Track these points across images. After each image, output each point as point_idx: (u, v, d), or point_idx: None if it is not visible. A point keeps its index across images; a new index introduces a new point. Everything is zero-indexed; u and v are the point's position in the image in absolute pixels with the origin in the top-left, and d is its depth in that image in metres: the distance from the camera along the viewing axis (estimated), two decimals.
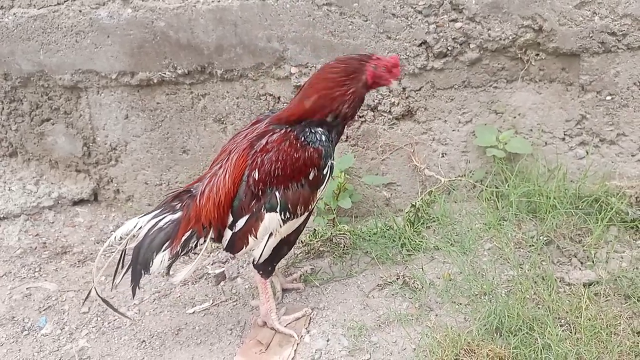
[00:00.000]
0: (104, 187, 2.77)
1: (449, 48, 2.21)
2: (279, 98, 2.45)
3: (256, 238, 1.71)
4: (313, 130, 1.67)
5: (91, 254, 2.44)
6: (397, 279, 1.95)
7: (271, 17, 2.31)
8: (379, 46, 2.26)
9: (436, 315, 1.78)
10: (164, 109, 2.57)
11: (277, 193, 1.66)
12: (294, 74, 2.37)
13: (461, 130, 2.33)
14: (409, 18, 2.20)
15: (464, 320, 1.73)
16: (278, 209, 1.67)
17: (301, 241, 2.30)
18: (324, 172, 1.69)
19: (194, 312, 2.00)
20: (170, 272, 1.78)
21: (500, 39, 2.16)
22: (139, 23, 2.44)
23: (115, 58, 2.52)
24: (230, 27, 2.36)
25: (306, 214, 1.75)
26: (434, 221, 2.21)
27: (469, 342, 1.60)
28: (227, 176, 1.70)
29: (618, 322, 1.62)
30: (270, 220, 1.69)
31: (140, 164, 2.68)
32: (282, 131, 1.69)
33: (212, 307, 2.02)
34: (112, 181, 2.74)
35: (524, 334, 1.60)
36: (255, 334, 1.81)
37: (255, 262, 1.79)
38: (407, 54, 2.25)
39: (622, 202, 1.97)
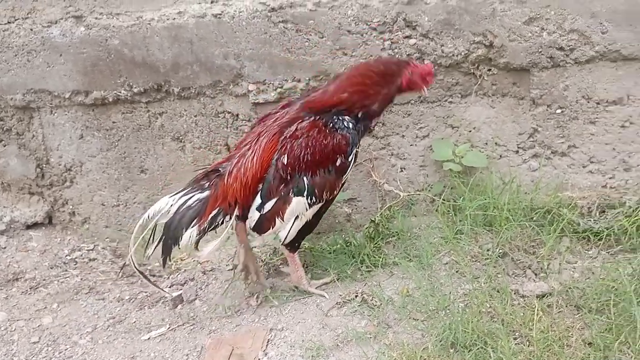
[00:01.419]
0: (58, 210, 2.69)
1: None
2: (237, 115, 2.43)
3: (283, 220, 1.81)
4: (341, 118, 1.77)
5: (44, 280, 2.36)
6: (356, 296, 1.94)
7: (227, 34, 2.30)
8: (335, 62, 2.27)
9: (394, 333, 1.77)
10: (120, 128, 2.52)
11: (305, 178, 1.76)
12: (252, 91, 2.36)
13: (419, 145, 2.35)
14: (364, 35, 2.22)
15: (421, 337, 1.72)
16: (305, 194, 1.77)
17: (261, 260, 2.28)
18: (349, 159, 1.79)
19: (149, 338, 1.94)
20: (202, 248, 1.87)
21: (453, 55, 2.19)
22: (92, 41, 2.40)
23: (69, 77, 2.46)
24: (187, 44, 2.34)
25: (330, 198, 1.85)
26: (394, 236, 2.21)
27: (424, 359, 1.59)
28: (255, 158, 1.80)
29: (570, 333, 1.64)
30: (297, 204, 1.78)
31: (97, 185, 2.61)
32: (311, 119, 1.78)
33: (169, 332, 1.97)
34: (67, 203, 2.67)
35: (478, 348, 1.60)
36: (211, 358, 1.76)
37: (282, 242, 1.90)
38: None
39: (573, 213, 2.01)
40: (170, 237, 1.81)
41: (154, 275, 2.35)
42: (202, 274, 2.28)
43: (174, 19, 2.31)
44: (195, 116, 2.46)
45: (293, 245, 1.95)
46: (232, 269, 2.29)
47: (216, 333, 1.92)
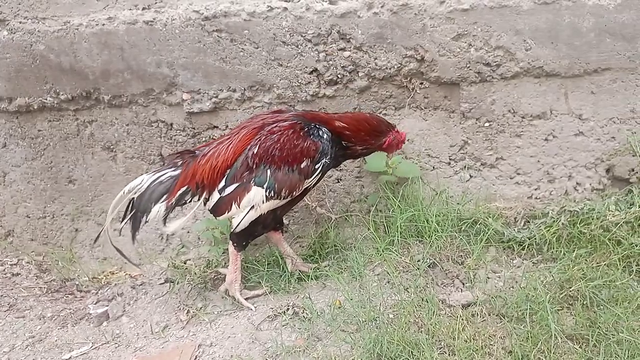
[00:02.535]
0: None
1: (339, 76, 2.25)
2: (171, 125, 2.38)
3: (239, 207, 1.86)
4: (319, 127, 1.87)
5: None
6: (287, 309, 1.92)
7: (160, 42, 2.25)
8: (271, 73, 2.26)
9: (323, 346, 1.76)
10: (47, 136, 2.41)
11: (268, 171, 1.82)
12: (186, 100, 2.32)
13: None
14: (299, 46, 2.22)
15: (350, 349, 1.72)
16: (265, 186, 1.83)
17: (194, 273, 2.22)
18: (317, 166, 1.86)
19: (70, 358, 1.85)
20: (169, 224, 1.93)
21: (387, 68, 2.22)
22: (16, 46, 2.29)
23: None
24: (117, 51, 2.27)
25: (289, 198, 1.89)
26: (329, 247, 2.21)
27: None
28: (230, 146, 1.88)
29: (492, 342, 1.68)
30: (256, 194, 1.84)
31: (21, 196, 2.49)
32: (293, 121, 1.87)
33: (92, 351, 1.88)
34: None
35: (403, 359, 1.61)
36: None
37: (232, 232, 1.93)
38: (299, 81, 2.26)
39: (498, 223, 2.07)
40: (140, 210, 1.88)
41: (80, 291, 2.25)
42: (132, 288, 2.20)
43: (104, 24, 2.24)
44: (127, 125, 2.39)
45: (240, 242, 1.98)
46: (163, 283, 2.23)
47: (142, 351, 1.85)
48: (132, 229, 1.90)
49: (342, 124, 1.92)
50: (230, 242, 1.99)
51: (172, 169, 1.92)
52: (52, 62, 2.29)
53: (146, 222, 1.89)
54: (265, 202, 1.85)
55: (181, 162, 1.93)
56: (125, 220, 1.90)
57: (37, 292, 2.28)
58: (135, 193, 1.89)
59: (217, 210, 1.89)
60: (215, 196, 1.88)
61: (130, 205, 1.91)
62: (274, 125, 1.88)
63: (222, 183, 1.87)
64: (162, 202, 1.87)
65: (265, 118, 1.94)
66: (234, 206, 1.85)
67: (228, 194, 1.86)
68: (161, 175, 1.91)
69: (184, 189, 1.88)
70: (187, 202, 1.91)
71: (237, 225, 1.89)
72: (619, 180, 2.25)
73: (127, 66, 2.28)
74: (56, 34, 2.26)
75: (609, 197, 2.17)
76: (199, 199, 1.89)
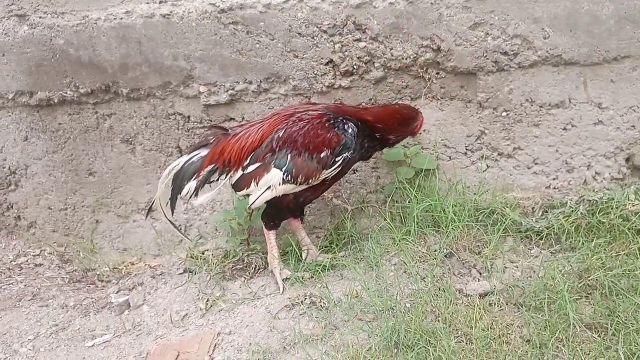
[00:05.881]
0: (3, 214, 2.61)
1: (355, 67, 2.25)
2: (188, 117, 2.40)
3: (257, 185, 1.94)
4: (345, 121, 1.93)
5: None
6: (305, 298, 1.94)
7: (177, 35, 2.27)
8: (287, 64, 2.27)
9: (340, 334, 1.77)
10: (67, 129, 2.46)
11: (289, 155, 1.90)
12: (203, 92, 2.34)
13: None
14: (315, 37, 2.22)
15: (367, 337, 1.73)
16: (284, 169, 1.90)
17: (213, 263, 2.24)
18: (337, 158, 1.91)
19: (93, 345, 1.90)
20: (197, 197, 2.03)
21: (403, 58, 2.22)
22: (36, 41, 2.33)
23: (12, 77, 2.39)
24: (135, 45, 2.30)
25: (304, 185, 1.94)
26: (345, 238, 2.22)
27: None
28: (260, 129, 1.97)
29: (510, 331, 1.68)
30: (274, 175, 1.91)
31: (43, 188, 2.54)
32: (322, 112, 1.95)
33: (114, 339, 1.92)
34: (12, 207, 2.58)
35: (420, 347, 1.62)
36: None
37: (249, 206, 2.02)
38: (315, 72, 2.27)
39: (515, 213, 2.06)
40: (175, 187, 2.02)
41: (101, 281, 2.30)
42: (152, 278, 2.24)
43: (122, 18, 2.27)
44: (146, 118, 2.42)
45: (268, 222, 2.06)
46: (182, 273, 2.27)
47: (162, 339, 1.89)
48: (170, 202, 2.03)
49: (373, 118, 1.98)
50: (262, 224, 2.08)
51: (204, 147, 2.03)
52: (72, 56, 2.33)
53: (181, 197, 2.02)
54: (281, 185, 1.92)
55: (213, 139, 2.03)
56: (167, 200, 2.03)
57: (59, 282, 2.33)
58: (174, 172, 2.03)
59: (238, 185, 1.98)
60: (238, 173, 1.96)
61: (172, 183, 2.04)
62: (304, 113, 1.96)
63: (247, 161, 1.96)
64: (193, 180, 1.99)
65: (298, 107, 2.02)
66: (252, 184, 1.94)
67: (250, 172, 1.94)
68: (194, 156, 2.03)
69: (211, 167, 1.98)
70: (215, 179, 2.00)
71: (254, 202, 1.96)
72: (638, 170, 2.22)
73: (144, 59, 2.31)
74: (75, 28, 2.30)
75: (628, 187, 2.14)
76: (225, 177, 1.99)
